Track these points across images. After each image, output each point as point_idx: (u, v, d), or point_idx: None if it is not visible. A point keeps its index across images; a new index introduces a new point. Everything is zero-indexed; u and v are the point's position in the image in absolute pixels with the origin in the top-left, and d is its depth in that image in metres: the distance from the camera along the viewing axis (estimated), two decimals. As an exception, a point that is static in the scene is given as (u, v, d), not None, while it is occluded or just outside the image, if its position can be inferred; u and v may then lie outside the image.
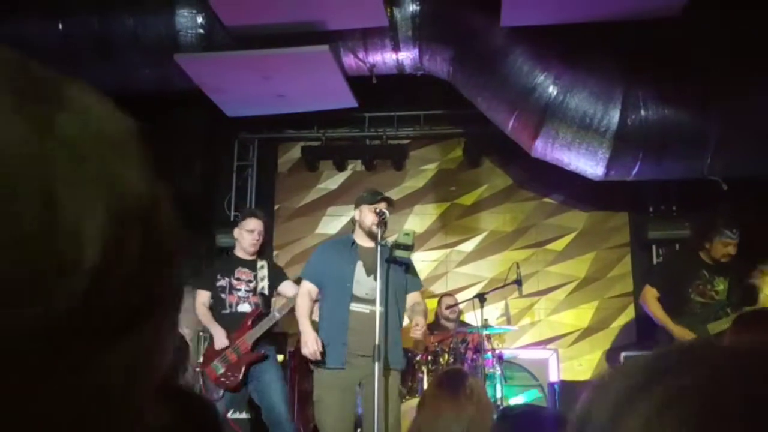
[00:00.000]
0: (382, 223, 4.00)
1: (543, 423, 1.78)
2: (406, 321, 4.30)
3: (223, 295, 4.61)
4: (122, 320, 0.32)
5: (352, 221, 4.29)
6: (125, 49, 4.99)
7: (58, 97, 0.32)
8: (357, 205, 4.21)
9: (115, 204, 0.31)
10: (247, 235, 4.68)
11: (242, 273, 4.68)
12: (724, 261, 4.59)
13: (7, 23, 4.92)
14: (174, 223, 0.36)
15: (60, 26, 4.98)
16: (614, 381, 0.47)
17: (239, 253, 4.77)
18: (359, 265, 4.07)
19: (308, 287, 4.15)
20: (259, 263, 4.73)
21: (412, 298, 4.25)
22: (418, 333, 4.04)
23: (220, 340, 4.48)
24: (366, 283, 4.04)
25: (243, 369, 4.47)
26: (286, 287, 4.70)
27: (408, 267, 4.25)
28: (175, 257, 0.36)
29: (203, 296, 4.62)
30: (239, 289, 4.63)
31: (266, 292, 4.67)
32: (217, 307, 4.60)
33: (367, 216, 4.08)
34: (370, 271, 4.04)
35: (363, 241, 4.13)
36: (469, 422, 1.94)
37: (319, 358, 3.94)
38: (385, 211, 4.04)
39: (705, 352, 0.45)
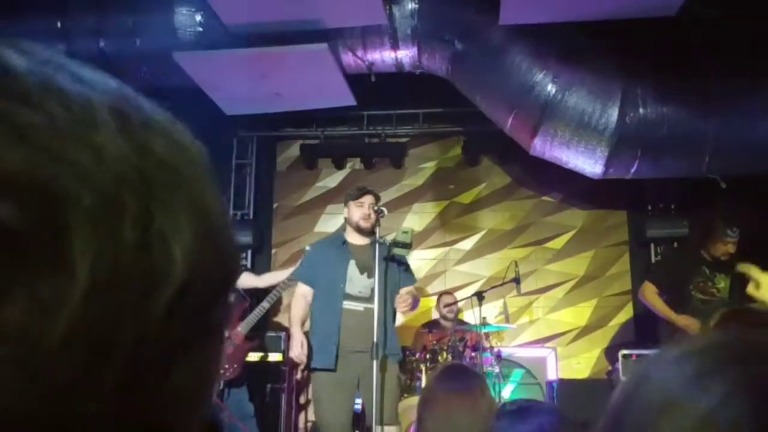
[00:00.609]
0: (378, 220, 4.02)
1: (540, 415, 1.78)
2: (399, 318, 4.31)
3: None
4: (193, 338, 0.33)
5: (345, 219, 4.31)
6: (123, 48, 4.99)
7: (150, 121, 0.34)
8: (345, 203, 4.24)
9: (201, 226, 0.33)
10: None
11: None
12: (724, 259, 4.59)
13: (5, 22, 4.92)
14: (236, 243, 0.38)
15: (59, 24, 4.97)
16: (677, 362, 0.47)
17: None
18: (352, 263, 4.09)
19: (303, 290, 4.16)
20: None
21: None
22: (402, 304, 4.01)
23: None
24: (359, 281, 4.06)
25: (241, 361, 4.53)
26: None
27: (401, 264, 4.26)
28: (235, 275, 0.38)
29: None
30: None
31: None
32: None
33: (354, 212, 4.12)
34: (363, 269, 4.06)
35: (354, 239, 4.15)
36: (486, 419, 1.92)
37: (303, 361, 3.99)
38: (383, 209, 4.06)
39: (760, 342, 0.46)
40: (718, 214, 4.65)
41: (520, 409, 1.80)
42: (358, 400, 4.13)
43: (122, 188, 0.30)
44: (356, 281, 4.05)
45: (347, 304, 4.01)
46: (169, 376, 0.32)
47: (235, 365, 4.52)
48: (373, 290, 4.00)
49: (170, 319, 0.31)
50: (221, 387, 4.53)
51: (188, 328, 0.32)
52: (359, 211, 4.09)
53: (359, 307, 4.00)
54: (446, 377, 2.22)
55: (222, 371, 4.50)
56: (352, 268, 4.08)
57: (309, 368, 4.08)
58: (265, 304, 4.51)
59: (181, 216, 0.32)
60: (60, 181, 0.28)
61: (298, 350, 3.98)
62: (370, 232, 4.11)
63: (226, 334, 4.46)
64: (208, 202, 0.34)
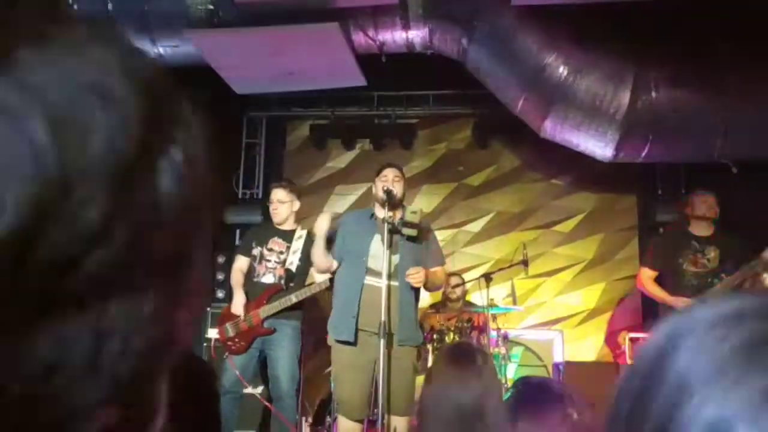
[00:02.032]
0: (389, 199, 3.98)
1: (549, 391, 1.79)
2: (427, 297, 4.26)
3: (255, 264, 4.72)
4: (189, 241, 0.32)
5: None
6: (135, 25, 4.98)
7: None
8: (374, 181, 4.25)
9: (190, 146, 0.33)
10: (279, 206, 4.75)
11: (276, 243, 4.73)
12: (710, 216, 4.67)
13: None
14: (205, 171, 0.35)
15: (70, 1, 4.97)
16: (717, 327, 0.39)
17: (274, 222, 4.82)
18: (376, 238, 4.02)
19: (329, 261, 4.14)
20: (297, 233, 4.73)
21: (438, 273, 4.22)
22: (409, 278, 3.94)
23: (237, 306, 4.61)
24: (382, 257, 3.95)
25: (250, 339, 4.57)
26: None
27: (429, 243, 4.20)
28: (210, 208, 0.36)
29: (240, 261, 4.77)
30: (269, 260, 4.70)
31: (294, 266, 4.66)
32: (249, 274, 4.71)
33: (378, 186, 4.13)
34: (388, 244, 4.01)
35: (382, 213, 4.05)
36: (478, 396, 1.92)
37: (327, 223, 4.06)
38: (392, 188, 4.03)
39: None
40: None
41: (531, 384, 1.81)
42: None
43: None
44: (379, 256, 3.94)
45: (368, 280, 3.95)
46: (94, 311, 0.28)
47: (243, 342, 4.56)
48: (397, 267, 3.95)
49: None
50: (225, 355, 4.58)
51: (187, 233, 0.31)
52: (381, 184, 4.09)
53: (380, 283, 3.89)
54: (449, 354, 2.23)
55: (231, 343, 4.56)
56: (376, 242, 4.01)
57: (331, 337, 4.06)
58: (293, 298, 4.50)
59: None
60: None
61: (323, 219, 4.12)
62: (393, 207, 4.03)
63: (238, 309, 4.52)
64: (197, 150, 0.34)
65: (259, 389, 4.88)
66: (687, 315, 0.42)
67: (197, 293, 0.34)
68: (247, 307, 4.57)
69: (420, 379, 4.39)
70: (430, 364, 4.81)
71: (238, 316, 4.57)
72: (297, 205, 4.79)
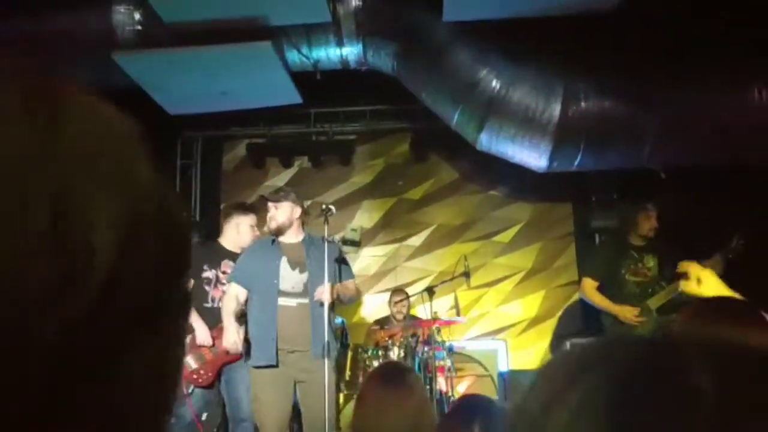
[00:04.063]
0: (326, 218, 4.09)
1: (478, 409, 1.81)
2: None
3: (207, 288, 4.49)
4: (134, 328, 0.31)
5: None
6: (60, 48, 4.84)
7: (63, 102, 0.31)
8: None
9: (131, 201, 0.30)
10: (250, 230, 4.65)
11: (227, 266, 4.56)
12: (651, 236, 4.81)
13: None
14: (184, 224, 0.35)
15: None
16: (550, 372, 0.45)
17: (227, 244, 4.67)
18: (284, 260, 4.13)
19: (236, 290, 4.19)
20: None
21: (350, 285, 4.36)
22: (320, 293, 3.99)
23: (204, 336, 4.35)
24: (291, 277, 4.10)
25: (217, 369, 4.41)
26: None
27: (340, 259, 4.30)
28: (185, 260, 0.35)
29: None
30: (224, 283, 4.47)
31: None
32: (198, 299, 4.40)
33: (268, 218, 4.27)
34: (295, 264, 4.12)
35: (284, 237, 4.21)
36: (413, 417, 1.93)
37: (239, 350, 4.07)
38: (332, 207, 4.10)
39: (616, 347, 0.44)
40: (635, 201, 4.94)
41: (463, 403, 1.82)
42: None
43: (26, 179, 0.27)
44: (288, 277, 4.09)
45: (281, 301, 4.04)
46: (117, 364, 0.30)
47: (210, 373, 4.39)
48: (305, 285, 4.07)
49: (104, 305, 0.28)
50: (190, 390, 4.40)
51: (129, 313, 0.30)
52: (268, 215, 4.23)
53: (292, 302, 4.04)
54: (378, 375, 2.23)
55: (196, 376, 4.37)
56: (284, 264, 4.12)
57: (249, 364, 4.09)
58: None
59: (103, 199, 0.29)
60: None
61: (233, 337, 4.08)
62: (287, 232, 4.18)
63: (207, 339, 4.36)
64: (139, 182, 0.32)
65: (204, 415, 4.74)
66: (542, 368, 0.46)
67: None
68: (211, 336, 4.39)
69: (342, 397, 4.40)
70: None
71: (202, 347, 4.37)
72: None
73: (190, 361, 4.35)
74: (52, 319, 0.27)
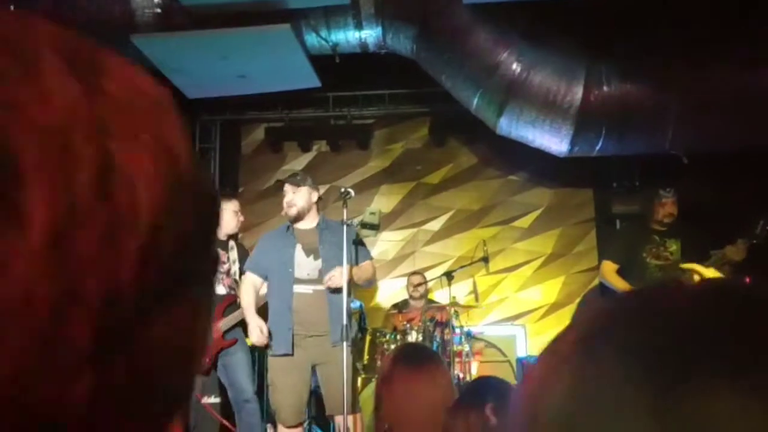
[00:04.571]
0: (345, 202, 4.06)
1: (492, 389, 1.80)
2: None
3: None
4: (170, 292, 0.31)
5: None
6: (79, 30, 4.84)
7: (101, 62, 0.31)
8: None
9: (170, 164, 0.31)
10: (233, 216, 4.67)
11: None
12: (668, 221, 4.75)
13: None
14: (213, 193, 0.35)
15: (12, 8, 4.80)
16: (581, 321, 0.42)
17: None
18: (298, 247, 4.11)
19: (252, 279, 4.21)
20: (230, 244, 4.70)
21: (365, 266, 4.32)
22: (327, 283, 4.00)
23: None
24: (306, 264, 4.09)
25: (213, 355, 4.46)
26: None
27: (356, 241, 4.30)
28: (214, 228, 0.36)
29: None
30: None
31: (237, 275, 4.63)
32: None
33: (284, 203, 4.22)
34: (309, 251, 4.11)
35: (299, 224, 4.18)
36: (442, 396, 1.93)
37: (266, 342, 4.03)
38: (350, 191, 4.08)
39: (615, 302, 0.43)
40: (656, 186, 4.86)
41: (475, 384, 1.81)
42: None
43: (74, 132, 0.27)
44: (303, 264, 4.09)
45: (297, 288, 4.04)
46: (149, 330, 0.30)
47: (206, 359, 4.46)
48: (320, 272, 4.05)
49: (144, 268, 0.28)
50: None
51: (166, 278, 0.30)
52: (283, 201, 4.19)
53: (308, 289, 4.04)
54: (404, 356, 2.24)
55: None
56: (299, 252, 4.11)
57: (268, 353, 4.12)
58: None
59: (144, 158, 0.29)
60: (6, 131, 0.26)
61: (258, 334, 4.04)
62: (303, 218, 4.15)
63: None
64: (175, 145, 0.32)
65: (216, 399, 4.79)
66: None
67: None
68: None
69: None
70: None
71: None
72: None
73: None
74: (100, 275, 0.27)
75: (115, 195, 0.28)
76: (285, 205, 4.17)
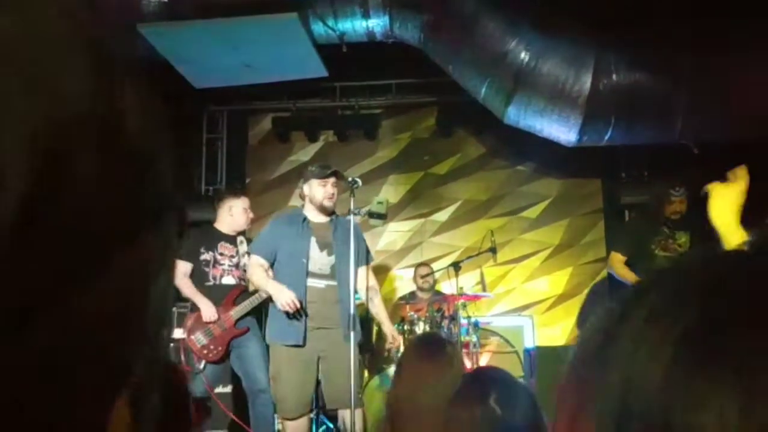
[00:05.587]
0: (352, 191, 4.01)
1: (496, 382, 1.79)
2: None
3: (206, 269, 4.58)
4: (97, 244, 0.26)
5: (301, 196, 4.23)
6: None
7: None
8: (306, 180, 4.15)
9: (50, 109, 0.25)
10: (243, 213, 4.68)
11: (224, 248, 4.66)
12: (675, 218, 4.73)
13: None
14: (153, 127, 0.30)
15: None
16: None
17: (222, 227, 4.71)
18: (312, 240, 4.05)
19: (259, 261, 4.07)
20: (239, 239, 4.73)
21: (368, 277, 4.25)
22: (395, 345, 4.20)
23: (210, 312, 4.42)
24: (319, 259, 4.05)
25: (226, 343, 4.49)
26: None
27: (360, 240, 4.21)
28: (150, 174, 0.30)
29: (186, 267, 4.51)
30: (223, 263, 4.61)
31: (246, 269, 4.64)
32: (199, 280, 4.52)
33: (318, 191, 4.06)
34: (323, 246, 4.06)
35: (314, 216, 4.11)
36: (451, 390, 1.92)
37: (297, 305, 3.85)
38: (358, 180, 4.03)
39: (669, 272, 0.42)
40: (667, 180, 4.83)
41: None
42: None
43: None
44: (317, 259, 4.03)
45: (310, 282, 3.99)
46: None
47: (220, 348, 4.47)
48: (333, 267, 4.02)
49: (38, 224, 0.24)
50: (202, 366, 4.48)
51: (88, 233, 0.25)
52: (322, 190, 4.04)
53: (320, 284, 4.00)
54: (419, 346, 2.23)
55: (207, 351, 4.45)
56: (313, 245, 4.04)
57: (278, 342, 4.06)
58: (263, 294, 4.43)
59: (17, 109, 0.24)
60: None
61: (286, 296, 3.82)
62: (331, 212, 4.10)
63: (212, 314, 4.41)
64: (63, 84, 0.26)
65: (228, 388, 4.81)
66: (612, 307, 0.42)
67: None
68: (217, 312, 4.47)
69: (388, 373, 4.41)
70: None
71: (209, 323, 4.44)
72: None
73: (201, 337, 4.44)
74: None
75: None
76: (325, 194, 4.02)
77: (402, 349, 4.33)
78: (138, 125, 0.29)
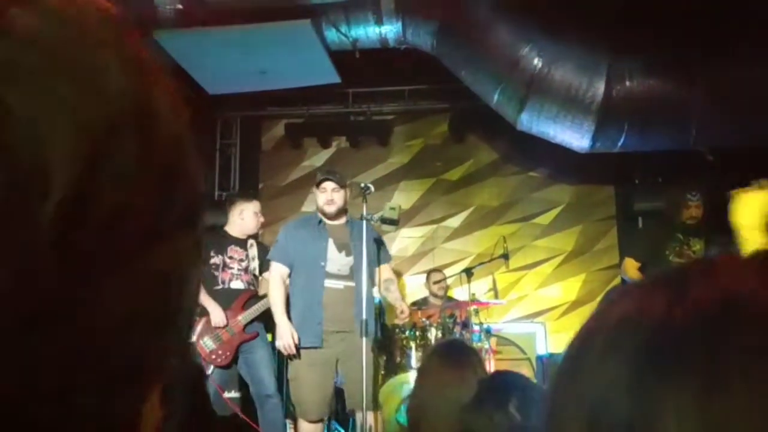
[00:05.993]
0: (364, 197, 4.06)
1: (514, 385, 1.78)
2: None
3: (215, 272, 4.57)
4: (118, 253, 0.26)
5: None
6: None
7: None
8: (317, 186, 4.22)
9: (101, 124, 0.25)
10: (254, 217, 4.68)
11: (234, 251, 4.65)
12: (691, 223, 4.70)
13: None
14: (183, 130, 0.30)
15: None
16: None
17: (233, 231, 4.72)
18: (330, 242, 4.08)
19: (280, 270, 4.11)
20: (249, 242, 4.72)
21: (385, 271, 4.32)
22: (404, 318, 4.14)
23: (219, 317, 4.42)
24: (338, 260, 4.07)
25: (234, 348, 4.48)
26: None
27: (378, 240, 4.28)
28: (183, 172, 0.30)
29: None
30: (232, 267, 4.60)
31: (257, 272, 4.65)
32: (208, 283, 4.50)
33: (319, 197, 4.15)
34: (341, 247, 4.09)
35: (329, 218, 4.15)
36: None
37: (293, 351, 3.93)
38: (370, 186, 4.06)
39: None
40: (682, 186, 4.81)
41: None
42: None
43: None
44: (335, 260, 4.06)
45: (328, 283, 4.01)
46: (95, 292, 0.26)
47: (228, 353, 4.47)
48: (351, 268, 4.04)
49: (66, 241, 0.24)
50: (210, 371, 4.49)
51: (97, 252, 0.25)
52: (322, 196, 4.11)
53: (339, 285, 4.02)
54: (443, 351, 2.23)
55: (215, 356, 4.45)
56: (331, 246, 4.08)
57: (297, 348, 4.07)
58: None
59: (62, 109, 0.25)
60: None
61: (288, 340, 3.91)
62: (337, 215, 4.13)
63: (221, 319, 4.42)
64: (111, 76, 0.26)
65: (236, 393, 4.81)
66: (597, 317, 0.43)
67: None
68: (226, 316, 4.47)
69: (400, 379, 4.40)
70: (414, 360, 4.78)
71: (218, 328, 4.43)
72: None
73: (209, 342, 4.43)
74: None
75: (15, 153, 0.23)
76: (324, 200, 4.08)
77: (408, 321, 4.42)
78: (174, 127, 0.30)
